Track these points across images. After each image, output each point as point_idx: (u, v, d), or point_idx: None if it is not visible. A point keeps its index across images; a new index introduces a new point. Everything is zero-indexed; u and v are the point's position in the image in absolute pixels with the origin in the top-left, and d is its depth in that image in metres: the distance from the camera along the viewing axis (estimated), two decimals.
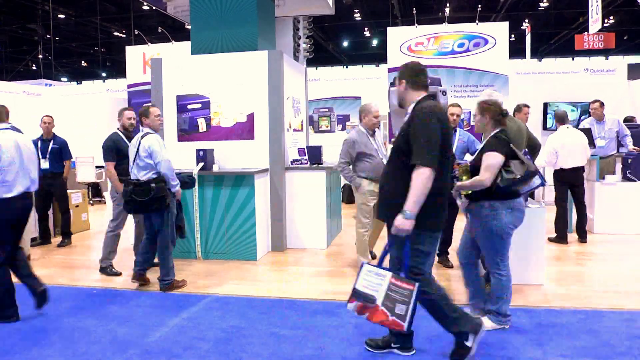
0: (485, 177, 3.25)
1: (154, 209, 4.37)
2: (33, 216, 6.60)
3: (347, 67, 22.77)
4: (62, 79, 26.52)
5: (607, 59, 15.73)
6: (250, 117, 5.93)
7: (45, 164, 6.36)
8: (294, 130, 6.57)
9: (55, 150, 6.47)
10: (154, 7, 8.65)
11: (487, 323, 3.45)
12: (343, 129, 10.73)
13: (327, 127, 10.73)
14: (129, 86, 10.44)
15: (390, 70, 9.12)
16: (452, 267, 5.07)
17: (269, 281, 4.86)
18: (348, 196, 9.91)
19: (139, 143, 4.44)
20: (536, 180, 3.36)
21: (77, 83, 25.83)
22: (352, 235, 6.94)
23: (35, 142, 6.33)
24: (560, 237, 6.10)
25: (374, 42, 25.19)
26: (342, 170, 5.09)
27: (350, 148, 5.00)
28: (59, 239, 6.70)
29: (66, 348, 3.38)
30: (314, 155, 6.29)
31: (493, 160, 3.26)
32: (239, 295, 4.41)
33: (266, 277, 4.99)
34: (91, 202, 9.94)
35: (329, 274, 5.09)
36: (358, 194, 5.04)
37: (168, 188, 4.43)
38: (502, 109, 3.42)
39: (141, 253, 4.64)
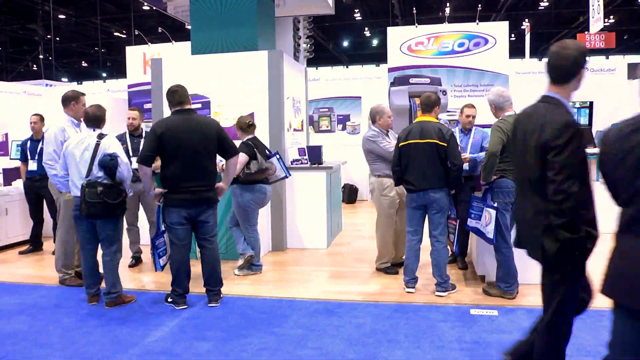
0: (237, 170, 4.61)
1: (118, 213, 4.10)
2: (21, 219, 6.58)
3: (347, 67, 22.77)
4: (63, 79, 26.52)
5: (607, 58, 15.72)
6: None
7: (33, 166, 6.00)
8: (294, 130, 6.57)
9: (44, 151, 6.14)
10: (154, 7, 8.65)
11: (244, 270, 5.03)
12: (343, 129, 10.72)
13: (327, 127, 10.72)
14: (130, 86, 10.44)
15: (390, 70, 9.11)
16: (466, 268, 5.11)
17: (269, 281, 4.86)
18: (348, 196, 9.91)
19: (97, 144, 4.09)
20: (279, 174, 5.14)
21: (78, 83, 25.74)
22: (352, 235, 6.96)
23: (24, 143, 6.21)
24: None
25: (374, 42, 25.18)
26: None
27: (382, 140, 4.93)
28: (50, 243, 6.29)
29: (66, 348, 3.38)
30: (314, 155, 6.29)
31: (241, 158, 4.59)
32: (239, 295, 4.41)
33: (266, 277, 4.99)
34: None
35: (329, 274, 5.09)
36: (379, 195, 4.92)
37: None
38: (247, 122, 5.05)
39: (88, 275, 4.26)
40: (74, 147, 4.14)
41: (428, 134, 4.20)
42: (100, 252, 4.28)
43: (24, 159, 6.20)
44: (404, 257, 5.18)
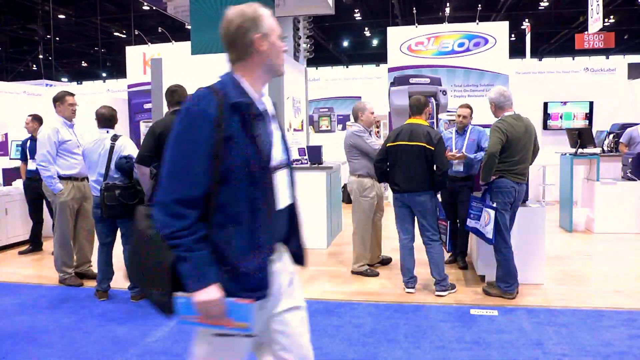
0: None
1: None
2: (21, 219, 6.56)
3: (347, 67, 22.78)
4: (63, 79, 26.54)
5: (607, 58, 15.70)
6: None
7: (33, 165, 5.82)
8: (294, 130, 6.57)
9: None
10: (154, 7, 8.65)
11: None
12: (343, 128, 10.72)
13: (327, 127, 10.73)
14: (129, 86, 10.44)
15: (390, 70, 9.11)
16: (466, 267, 5.10)
17: None
18: (348, 196, 9.90)
19: (112, 146, 4.19)
20: None
21: (78, 83, 25.83)
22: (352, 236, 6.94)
23: (24, 142, 6.18)
24: None
25: (374, 42, 25.18)
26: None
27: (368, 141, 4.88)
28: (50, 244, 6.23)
29: (66, 348, 3.38)
30: (314, 155, 6.29)
31: None
32: None
33: None
34: None
35: (329, 274, 5.09)
36: (359, 196, 4.91)
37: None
38: None
39: (104, 269, 4.36)
40: (90, 149, 4.27)
41: (417, 136, 4.21)
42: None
43: (24, 159, 6.19)
44: (380, 256, 5.24)
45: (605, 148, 7.53)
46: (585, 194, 7.03)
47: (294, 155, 6.26)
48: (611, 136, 7.56)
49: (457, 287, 4.43)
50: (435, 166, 4.19)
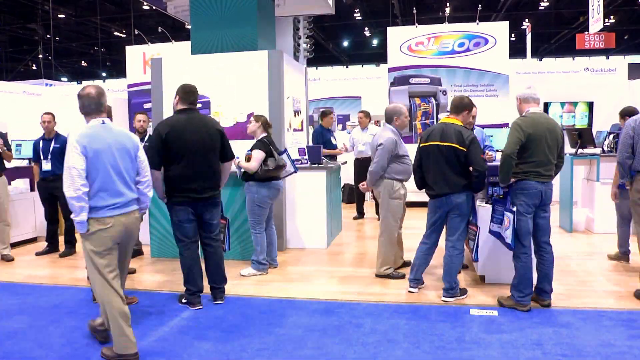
0: (252, 165, 4.78)
1: None
2: (21, 219, 6.55)
3: (347, 67, 22.78)
4: (62, 78, 26.52)
5: (607, 58, 15.72)
6: (251, 117, 5.92)
7: (47, 166, 5.94)
8: (294, 130, 6.57)
9: (56, 151, 5.87)
10: (154, 7, 8.65)
11: (250, 270, 4.99)
12: (343, 128, 10.73)
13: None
14: (129, 86, 10.45)
15: (390, 70, 9.11)
16: (466, 267, 5.07)
17: (269, 281, 4.86)
18: (348, 196, 9.91)
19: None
20: (289, 169, 5.10)
21: (77, 83, 25.81)
22: (352, 235, 6.95)
23: (36, 143, 6.13)
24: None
25: (374, 42, 25.20)
26: (375, 174, 4.72)
27: (393, 149, 4.67)
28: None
29: (66, 348, 3.38)
30: (314, 155, 6.28)
31: (258, 155, 4.76)
32: (239, 295, 4.41)
33: (266, 277, 4.99)
34: None
35: (329, 274, 5.09)
36: (389, 198, 4.73)
37: None
38: (267, 121, 5.03)
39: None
40: None
41: (448, 136, 4.00)
42: None
43: (36, 159, 6.07)
44: (403, 259, 5.17)
45: (605, 148, 7.52)
46: (585, 194, 7.04)
47: (294, 155, 6.25)
48: (611, 136, 7.55)
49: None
50: (471, 168, 3.96)
